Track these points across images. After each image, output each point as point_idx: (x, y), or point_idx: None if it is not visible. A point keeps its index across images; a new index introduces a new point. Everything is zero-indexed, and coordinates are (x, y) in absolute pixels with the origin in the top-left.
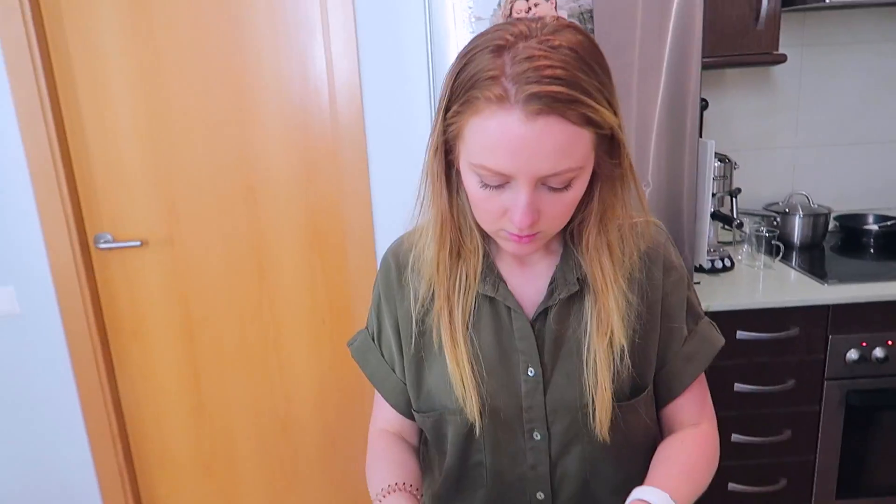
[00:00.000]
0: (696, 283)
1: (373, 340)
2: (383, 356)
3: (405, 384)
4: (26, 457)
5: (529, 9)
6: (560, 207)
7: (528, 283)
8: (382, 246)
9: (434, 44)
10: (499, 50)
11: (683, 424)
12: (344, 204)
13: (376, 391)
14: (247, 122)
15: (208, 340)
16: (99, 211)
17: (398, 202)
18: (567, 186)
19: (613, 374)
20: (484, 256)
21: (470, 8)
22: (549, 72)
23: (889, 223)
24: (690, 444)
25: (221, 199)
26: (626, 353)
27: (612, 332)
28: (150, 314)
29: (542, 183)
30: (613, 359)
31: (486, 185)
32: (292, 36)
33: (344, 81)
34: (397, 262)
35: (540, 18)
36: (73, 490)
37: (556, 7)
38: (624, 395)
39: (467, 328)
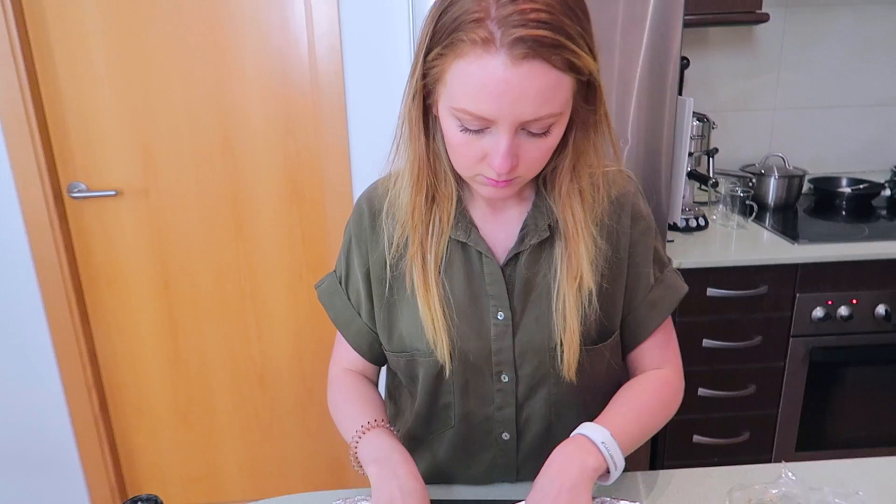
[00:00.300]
0: (669, 241)
1: (340, 284)
2: (349, 300)
3: (370, 329)
4: (1, 407)
5: None
6: (538, 153)
7: (500, 229)
8: None
9: None
10: None
11: (647, 369)
12: (323, 156)
13: (339, 333)
14: (224, 71)
15: (185, 291)
16: (72, 160)
17: (377, 155)
18: (546, 132)
19: (582, 317)
20: (457, 202)
21: None
22: (534, 15)
23: (861, 186)
24: (648, 386)
25: (198, 149)
26: (594, 296)
27: (581, 277)
28: (126, 264)
29: (522, 128)
30: (582, 302)
31: (466, 130)
32: None
33: (323, 30)
34: (371, 207)
35: None
36: (48, 440)
37: None
38: (591, 338)
39: (439, 273)
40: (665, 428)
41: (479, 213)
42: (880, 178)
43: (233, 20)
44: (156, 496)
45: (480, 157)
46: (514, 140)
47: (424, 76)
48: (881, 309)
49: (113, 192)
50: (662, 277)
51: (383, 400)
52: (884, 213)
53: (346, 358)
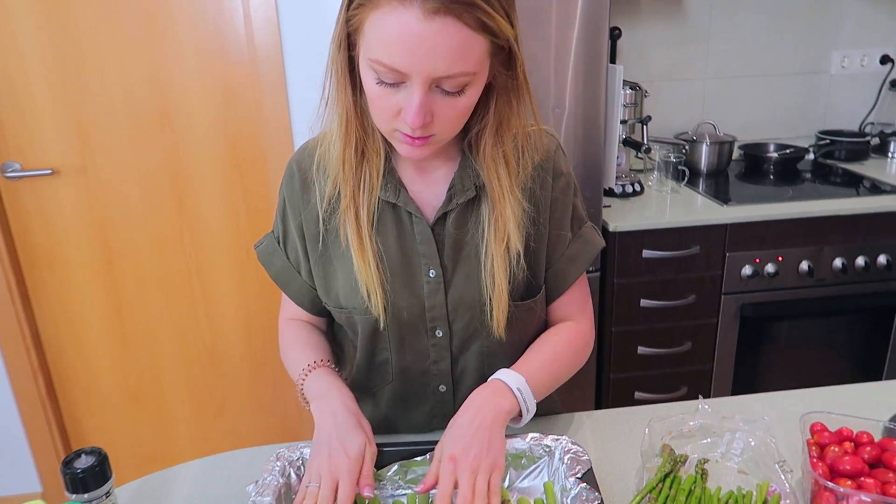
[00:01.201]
0: (606, 207)
1: (278, 244)
2: (289, 259)
3: (310, 286)
4: None
5: None
6: (452, 112)
7: (428, 189)
8: None
9: None
10: None
11: (563, 320)
12: (263, 128)
13: (283, 293)
14: (159, 46)
15: (129, 270)
16: (4, 139)
17: (319, 127)
18: (461, 92)
19: (510, 277)
20: (386, 160)
21: None
22: None
23: (787, 151)
24: (562, 338)
25: (136, 124)
26: (521, 257)
27: (508, 238)
28: (66, 245)
29: (437, 85)
30: (510, 262)
31: (381, 83)
32: None
33: (260, 2)
34: (300, 167)
35: None
36: None
37: None
38: (519, 295)
39: (372, 227)
40: (607, 385)
41: (407, 173)
42: (805, 143)
43: None
44: (100, 448)
45: (395, 112)
46: (427, 96)
47: (347, 25)
48: (804, 265)
49: (49, 171)
50: (580, 233)
51: (328, 343)
52: (808, 175)
53: (291, 310)
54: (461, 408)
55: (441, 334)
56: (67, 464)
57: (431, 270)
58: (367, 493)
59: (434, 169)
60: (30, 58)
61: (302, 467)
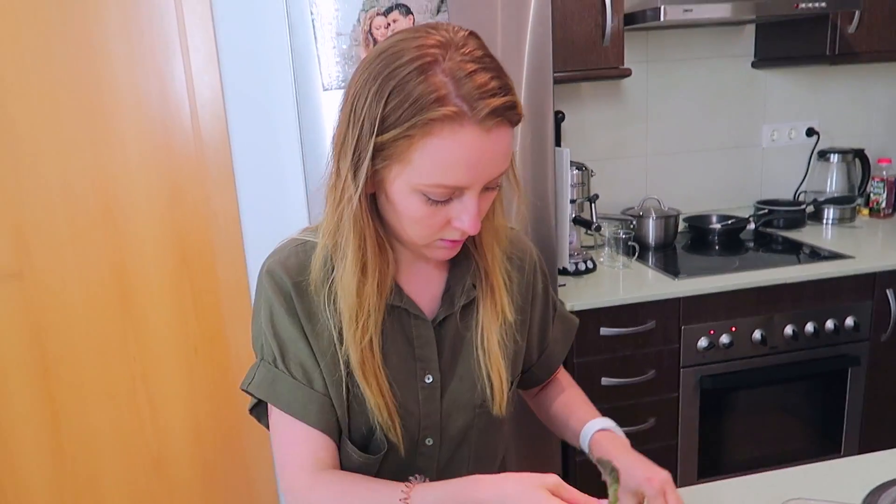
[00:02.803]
0: (561, 286)
1: (275, 366)
2: (295, 378)
3: (327, 397)
4: None
5: (388, 24)
6: (488, 205)
7: (423, 291)
8: (254, 265)
9: (296, 58)
10: (427, 68)
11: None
12: (212, 225)
13: (281, 431)
14: (102, 143)
15: (66, 377)
16: None
17: (268, 219)
18: (496, 186)
19: (506, 351)
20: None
21: (330, 24)
22: (493, 84)
23: (730, 222)
24: (574, 385)
25: (76, 223)
26: (512, 328)
27: (503, 310)
28: None
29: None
30: (504, 336)
31: (432, 202)
32: (148, 56)
33: (206, 98)
34: (294, 280)
35: (426, 25)
36: None
37: (413, 23)
38: (514, 372)
39: (381, 353)
40: (574, 467)
41: (402, 276)
42: (745, 213)
43: (110, 93)
44: None
45: (444, 224)
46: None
47: (374, 163)
48: (757, 334)
49: None
50: (558, 314)
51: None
52: (751, 244)
53: (306, 454)
54: (626, 461)
55: (431, 443)
56: None
57: (428, 376)
58: None
59: (425, 268)
60: None
61: None
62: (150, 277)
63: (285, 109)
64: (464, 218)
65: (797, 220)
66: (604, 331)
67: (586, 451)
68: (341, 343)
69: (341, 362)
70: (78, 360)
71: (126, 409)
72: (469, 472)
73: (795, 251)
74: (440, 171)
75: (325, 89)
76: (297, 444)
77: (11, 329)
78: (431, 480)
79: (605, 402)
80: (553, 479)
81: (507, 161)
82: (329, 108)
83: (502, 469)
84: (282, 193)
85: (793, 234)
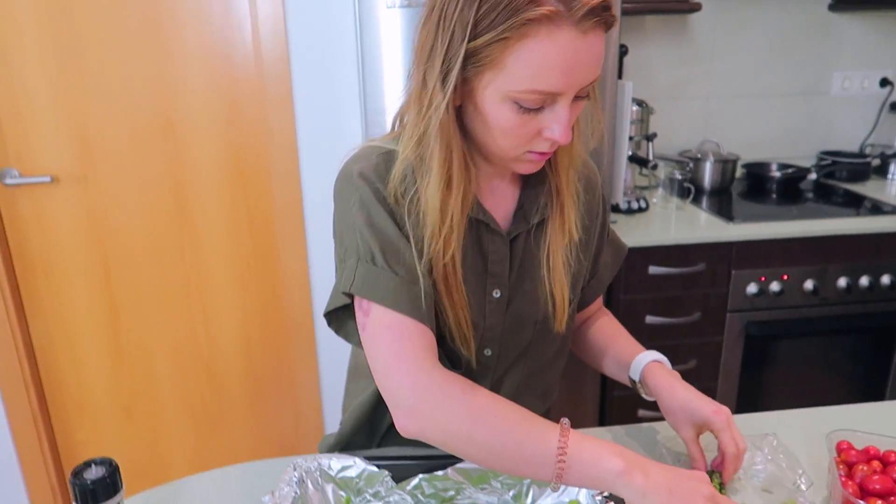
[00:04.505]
0: (612, 223)
1: (372, 263)
2: (398, 274)
3: (431, 296)
4: None
5: None
6: (577, 115)
7: (500, 206)
8: (309, 186)
9: None
10: None
11: (592, 312)
12: (268, 143)
13: (385, 335)
14: (164, 56)
15: (126, 281)
16: (4, 145)
17: (324, 140)
18: (587, 95)
19: (567, 269)
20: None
21: None
22: None
23: (790, 171)
24: (612, 316)
25: (138, 133)
26: (576, 245)
27: (570, 230)
28: (64, 254)
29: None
30: (569, 253)
31: (524, 111)
32: None
33: (267, 13)
34: (383, 182)
35: None
36: None
37: None
38: (570, 285)
39: (461, 268)
40: (610, 402)
41: (479, 192)
42: (806, 163)
43: (173, 2)
44: (110, 459)
45: (535, 135)
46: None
47: (464, 70)
48: (809, 284)
49: (48, 179)
50: (610, 239)
51: None
52: (810, 195)
53: (423, 348)
54: (671, 389)
55: (490, 354)
56: (77, 474)
57: (497, 290)
58: None
59: (501, 185)
60: (31, 62)
61: (320, 478)
62: (206, 191)
63: (346, 28)
64: (555, 128)
65: (861, 173)
66: (652, 269)
67: (636, 380)
68: (420, 257)
69: (422, 276)
70: (137, 265)
71: (181, 317)
72: (518, 390)
73: (856, 204)
74: (535, 75)
75: (389, 7)
76: (410, 338)
77: (76, 231)
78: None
79: (648, 341)
80: (708, 489)
81: (600, 68)
82: (391, 27)
83: (552, 391)
84: (339, 113)
85: (855, 187)
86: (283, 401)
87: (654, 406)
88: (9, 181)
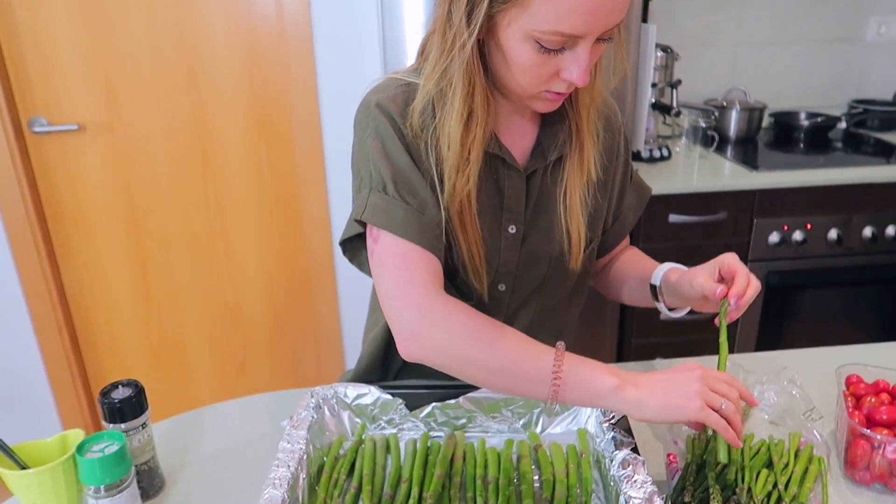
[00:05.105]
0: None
1: (384, 192)
2: (408, 204)
3: (441, 228)
4: None
5: None
6: (597, 58)
7: (518, 141)
8: (329, 134)
9: None
10: None
11: (618, 253)
12: (289, 91)
13: (392, 261)
14: (187, 5)
15: (153, 229)
16: (32, 93)
17: (344, 88)
18: (608, 38)
19: (585, 208)
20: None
21: None
22: None
23: (819, 119)
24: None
25: (162, 82)
26: (593, 185)
27: (589, 168)
28: (92, 201)
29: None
30: (586, 192)
31: (545, 51)
32: None
33: None
34: (402, 114)
35: None
36: (21, 380)
37: None
38: (586, 223)
39: (476, 202)
40: (628, 350)
41: (498, 128)
42: (837, 112)
43: None
44: (136, 381)
45: (553, 75)
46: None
47: (491, 7)
48: (833, 234)
49: (76, 127)
50: (634, 181)
51: None
52: (839, 144)
53: (428, 273)
54: (687, 272)
55: (503, 289)
56: (105, 394)
57: (512, 226)
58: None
59: (520, 121)
60: (57, 12)
61: (336, 405)
62: (229, 137)
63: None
64: (573, 70)
65: (895, 122)
66: (672, 218)
67: (657, 285)
68: (437, 190)
69: (437, 209)
70: (163, 212)
71: (206, 262)
72: (533, 327)
73: (887, 153)
74: (559, 16)
75: None
76: (416, 265)
77: (105, 180)
78: None
79: None
80: (699, 371)
81: (625, 11)
82: None
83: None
84: (359, 63)
85: (888, 136)
86: (305, 343)
87: (671, 354)
88: (37, 129)
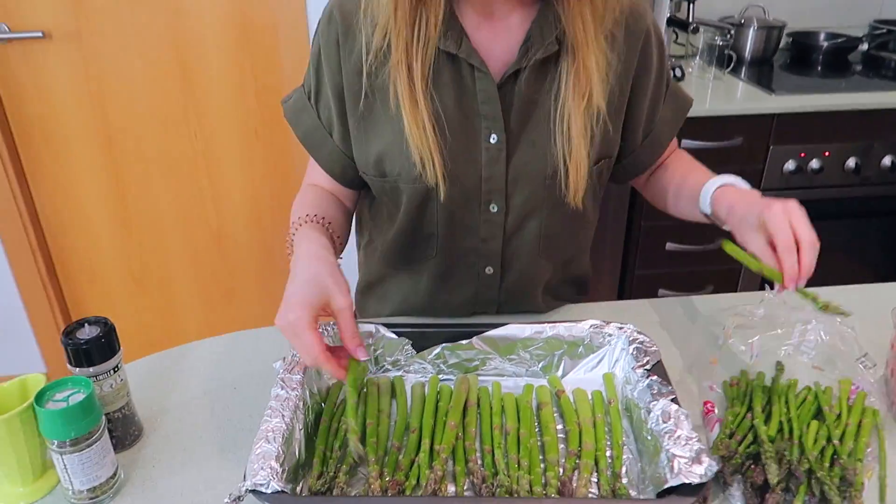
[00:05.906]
0: None
1: (309, 99)
2: (320, 119)
3: (343, 152)
4: None
5: None
6: None
7: (497, 40)
8: None
9: None
10: None
11: (662, 162)
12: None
13: (310, 156)
14: None
15: (130, 149)
16: None
17: None
18: None
19: (589, 139)
20: (446, 3)
21: None
22: None
23: (839, 40)
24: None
25: None
26: (602, 116)
27: (590, 94)
28: (62, 117)
29: None
30: (591, 123)
31: None
32: None
33: None
34: (342, 12)
35: None
36: None
37: None
38: (593, 158)
39: (427, 84)
40: (630, 281)
41: (471, 18)
42: (858, 33)
43: None
44: (106, 318)
45: None
46: None
47: None
48: (851, 162)
49: (40, 34)
50: (670, 91)
51: (345, 218)
52: (860, 67)
53: (315, 176)
54: (731, 205)
55: (496, 209)
56: (69, 334)
57: (493, 135)
58: (360, 355)
59: (505, 15)
60: None
61: (335, 343)
62: (209, 50)
63: None
64: None
65: None
66: (686, 143)
67: (708, 213)
68: (372, 74)
69: (363, 95)
70: (140, 130)
71: (188, 185)
72: (538, 248)
73: None
74: None
75: None
76: (312, 165)
77: (74, 94)
78: (498, 252)
79: (673, 220)
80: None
81: None
82: None
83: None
84: None
85: None
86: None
87: (675, 285)
88: None
